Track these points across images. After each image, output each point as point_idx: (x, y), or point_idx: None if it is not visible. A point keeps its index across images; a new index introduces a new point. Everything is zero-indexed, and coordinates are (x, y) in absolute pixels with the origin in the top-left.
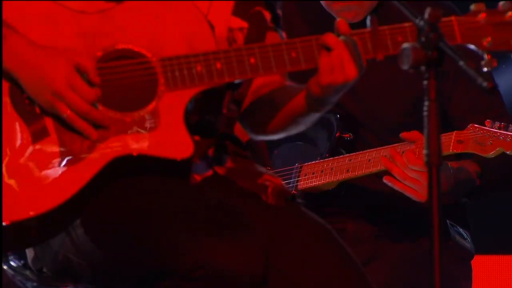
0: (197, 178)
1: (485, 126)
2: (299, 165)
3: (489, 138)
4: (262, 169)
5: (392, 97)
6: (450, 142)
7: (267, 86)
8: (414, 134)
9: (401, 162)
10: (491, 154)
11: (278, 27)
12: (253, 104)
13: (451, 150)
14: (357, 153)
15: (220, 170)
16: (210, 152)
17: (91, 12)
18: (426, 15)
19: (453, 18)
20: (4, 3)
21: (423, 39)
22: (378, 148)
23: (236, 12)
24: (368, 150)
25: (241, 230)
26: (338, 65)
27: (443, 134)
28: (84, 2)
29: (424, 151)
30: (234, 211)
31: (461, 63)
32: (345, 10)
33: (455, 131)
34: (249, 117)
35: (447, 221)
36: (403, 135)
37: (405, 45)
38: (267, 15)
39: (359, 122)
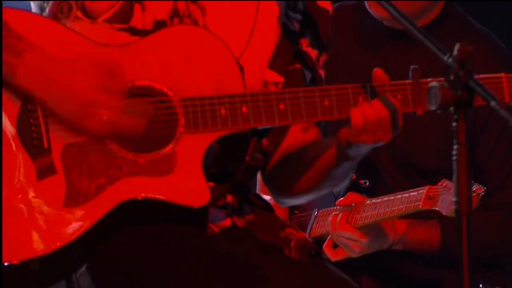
0: (215, 229)
1: None
2: (316, 211)
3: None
4: (285, 221)
5: (422, 141)
6: (421, 198)
7: (298, 146)
8: (349, 198)
9: (333, 227)
10: (451, 213)
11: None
12: (280, 161)
13: (420, 207)
14: (375, 199)
15: (240, 222)
16: (230, 200)
17: (114, 46)
18: (455, 52)
19: (503, 75)
20: (22, 25)
21: (451, 77)
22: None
23: (273, 66)
24: (387, 197)
25: (261, 286)
26: (372, 129)
27: (415, 190)
28: (109, 35)
29: (453, 198)
30: (254, 266)
31: (493, 103)
32: None
33: (427, 186)
34: (276, 176)
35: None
36: (338, 203)
37: (433, 84)
38: (307, 75)
39: (378, 168)
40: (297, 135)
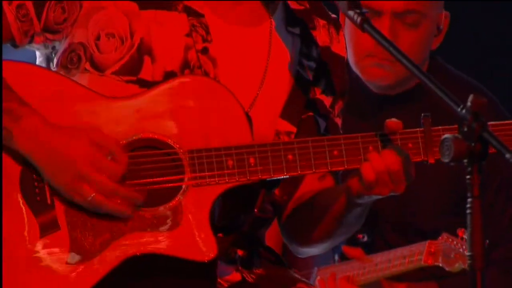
0: (224, 284)
1: (457, 236)
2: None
3: (453, 251)
4: (296, 276)
5: (428, 194)
6: (423, 253)
7: (313, 192)
8: (348, 253)
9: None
10: (453, 268)
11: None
12: (294, 210)
13: (422, 263)
14: (376, 255)
15: (249, 277)
16: (239, 254)
17: (119, 97)
18: (468, 103)
19: None
20: (22, 80)
21: (465, 129)
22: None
23: (285, 115)
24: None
25: None
26: (384, 181)
27: (415, 245)
28: (117, 88)
29: (467, 253)
30: None
31: (508, 155)
32: (376, 66)
33: (428, 241)
34: (290, 226)
35: None
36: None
37: (446, 136)
38: (321, 123)
39: (376, 222)
40: (312, 184)
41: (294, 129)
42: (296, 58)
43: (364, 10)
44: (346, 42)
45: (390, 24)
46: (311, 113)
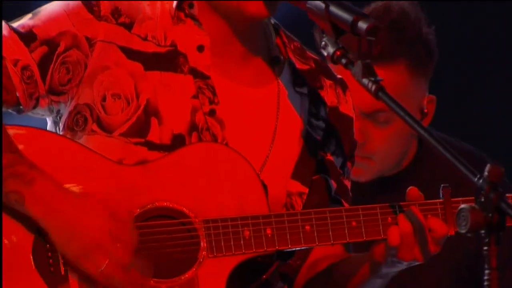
0: None
1: None
2: None
3: None
4: None
5: (429, 275)
6: None
7: (326, 260)
8: None
9: None
10: None
11: (344, 199)
12: (311, 280)
13: None
14: None
15: None
16: None
17: (131, 164)
18: (485, 173)
19: None
20: (33, 146)
21: (482, 199)
22: None
23: (296, 176)
24: None
25: None
26: (408, 244)
27: None
28: (126, 150)
29: None
30: None
31: None
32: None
33: None
34: None
35: None
36: None
37: (463, 206)
38: (332, 185)
39: None
40: (325, 249)
41: (305, 190)
42: (305, 118)
43: (378, 78)
44: None
45: (361, 125)
46: (322, 175)
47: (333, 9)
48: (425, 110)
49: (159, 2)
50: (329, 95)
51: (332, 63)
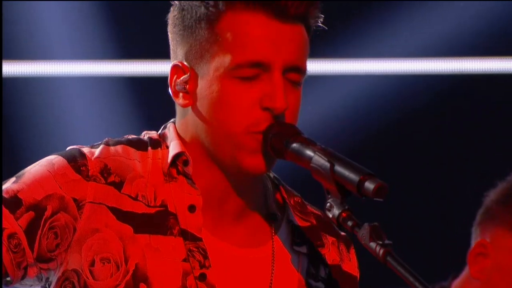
0: None
1: None
2: None
3: None
4: None
5: None
6: None
7: None
8: None
9: None
10: None
11: None
12: None
13: None
14: None
15: None
16: None
17: None
18: None
19: None
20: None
21: None
22: None
23: None
24: None
25: None
26: None
27: None
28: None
29: None
30: None
31: None
32: None
33: None
34: None
35: None
36: None
37: None
38: None
39: None
40: None
41: None
42: (303, 279)
43: (387, 241)
44: None
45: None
46: None
47: (339, 168)
48: None
49: (150, 157)
50: (331, 252)
51: (338, 226)
